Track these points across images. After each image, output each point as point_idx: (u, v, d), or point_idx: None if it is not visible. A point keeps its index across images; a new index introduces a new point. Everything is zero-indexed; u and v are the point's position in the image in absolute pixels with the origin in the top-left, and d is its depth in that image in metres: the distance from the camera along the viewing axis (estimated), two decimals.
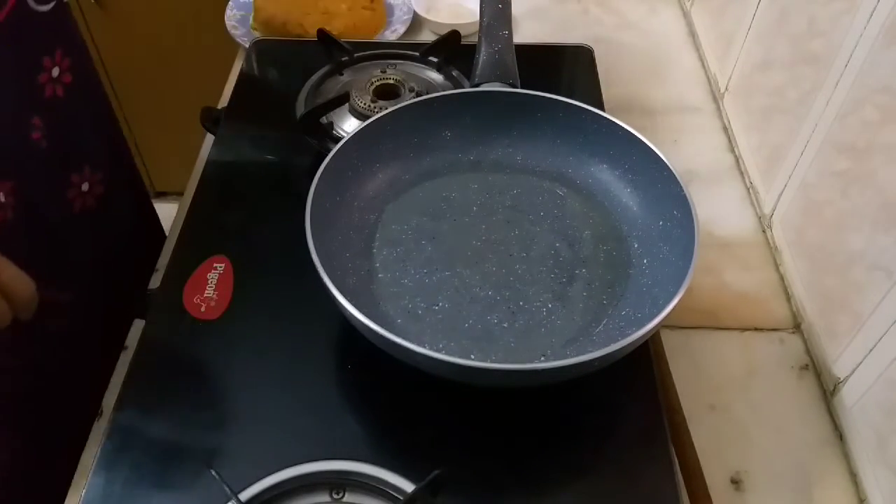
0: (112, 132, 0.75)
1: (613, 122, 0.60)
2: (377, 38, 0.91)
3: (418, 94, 0.69)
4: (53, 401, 0.65)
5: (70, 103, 0.61)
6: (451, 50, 0.78)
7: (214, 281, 0.59)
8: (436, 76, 0.77)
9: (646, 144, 0.57)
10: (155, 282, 0.63)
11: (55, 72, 0.59)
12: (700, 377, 0.59)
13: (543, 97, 0.62)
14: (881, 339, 0.51)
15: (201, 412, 0.52)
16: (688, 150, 0.79)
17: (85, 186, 0.65)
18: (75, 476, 0.53)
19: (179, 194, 0.72)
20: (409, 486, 0.46)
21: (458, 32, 0.81)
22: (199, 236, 0.64)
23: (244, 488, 0.46)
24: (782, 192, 0.67)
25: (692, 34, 0.94)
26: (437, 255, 0.58)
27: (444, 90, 0.72)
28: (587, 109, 0.61)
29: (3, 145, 0.55)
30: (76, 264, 0.66)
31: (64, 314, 0.62)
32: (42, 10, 0.56)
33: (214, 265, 0.60)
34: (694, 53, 0.91)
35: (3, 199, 0.55)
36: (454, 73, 0.77)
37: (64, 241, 0.64)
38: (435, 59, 0.78)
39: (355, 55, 0.78)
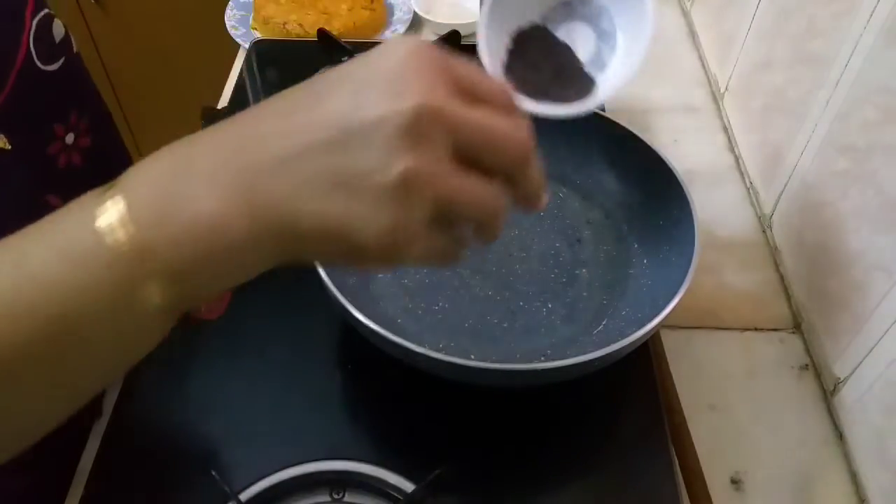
0: None
1: (613, 122, 0.60)
2: (377, 38, 0.91)
3: None
4: None
5: (89, 170, 0.52)
6: (451, 50, 0.78)
7: None
8: None
9: (646, 144, 0.57)
10: None
11: (69, 138, 0.50)
12: (700, 377, 0.59)
13: None
14: (881, 339, 0.50)
15: (201, 412, 0.52)
16: (688, 150, 0.79)
17: None
18: (75, 476, 0.52)
19: None
20: (409, 486, 0.46)
21: (458, 32, 0.80)
22: None
23: (244, 488, 0.46)
24: (782, 192, 0.67)
25: (692, 34, 0.94)
26: None
27: None
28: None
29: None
30: None
31: None
32: (51, 69, 0.47)
33: None
34: (694, 53, 0.91)
35: None
36: None
37: None
38: None
39: (355, 55, 0.78)
